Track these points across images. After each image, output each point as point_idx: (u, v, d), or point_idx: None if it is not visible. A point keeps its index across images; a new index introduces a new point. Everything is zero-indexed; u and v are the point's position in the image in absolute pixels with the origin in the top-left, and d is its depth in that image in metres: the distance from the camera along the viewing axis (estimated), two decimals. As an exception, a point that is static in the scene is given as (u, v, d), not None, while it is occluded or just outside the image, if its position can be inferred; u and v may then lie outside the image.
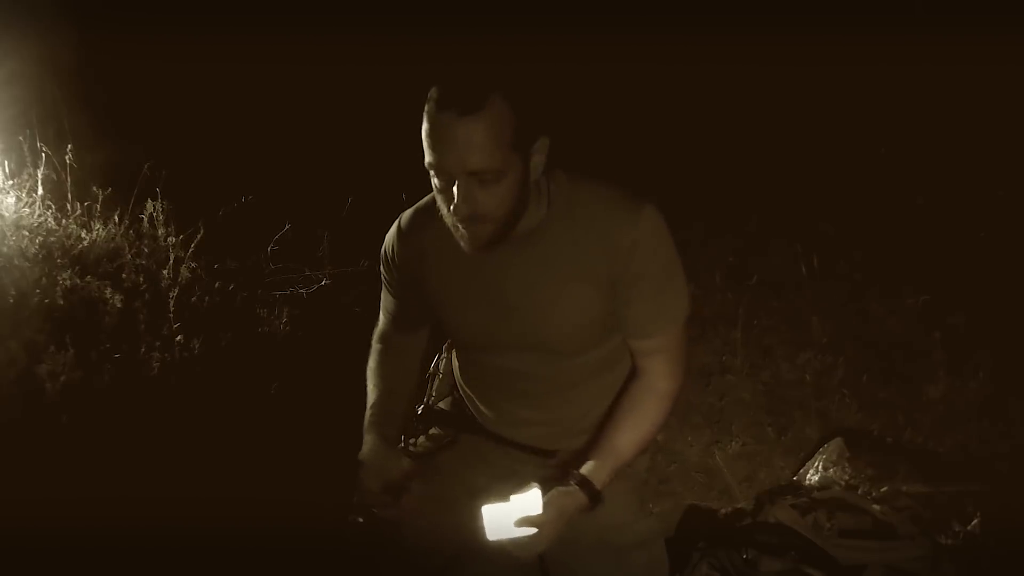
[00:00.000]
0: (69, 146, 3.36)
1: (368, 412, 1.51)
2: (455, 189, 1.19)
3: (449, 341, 1.64)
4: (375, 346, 1.60)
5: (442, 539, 1.46)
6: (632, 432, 1.36)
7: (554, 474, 1.38)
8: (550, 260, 1.32)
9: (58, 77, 3.81)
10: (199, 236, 3.14)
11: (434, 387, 1.65)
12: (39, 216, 3.25)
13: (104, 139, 3.62)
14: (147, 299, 2.91)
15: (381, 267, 1.51)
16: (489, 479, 1.46)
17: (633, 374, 1.42)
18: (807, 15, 4.48)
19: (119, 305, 2.80)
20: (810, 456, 2.31)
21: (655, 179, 2.47)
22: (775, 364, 2.87)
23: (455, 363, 1.59)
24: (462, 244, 1.27)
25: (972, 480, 2.09)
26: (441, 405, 1.62)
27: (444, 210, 1.25)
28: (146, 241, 3.23)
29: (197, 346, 2.77)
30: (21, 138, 3.50)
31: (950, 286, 3.03)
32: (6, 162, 3.45)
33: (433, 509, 1.48)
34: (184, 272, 3.06)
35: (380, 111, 3.84)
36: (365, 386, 1.57)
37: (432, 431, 1.58)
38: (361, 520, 1.41)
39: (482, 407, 1.52)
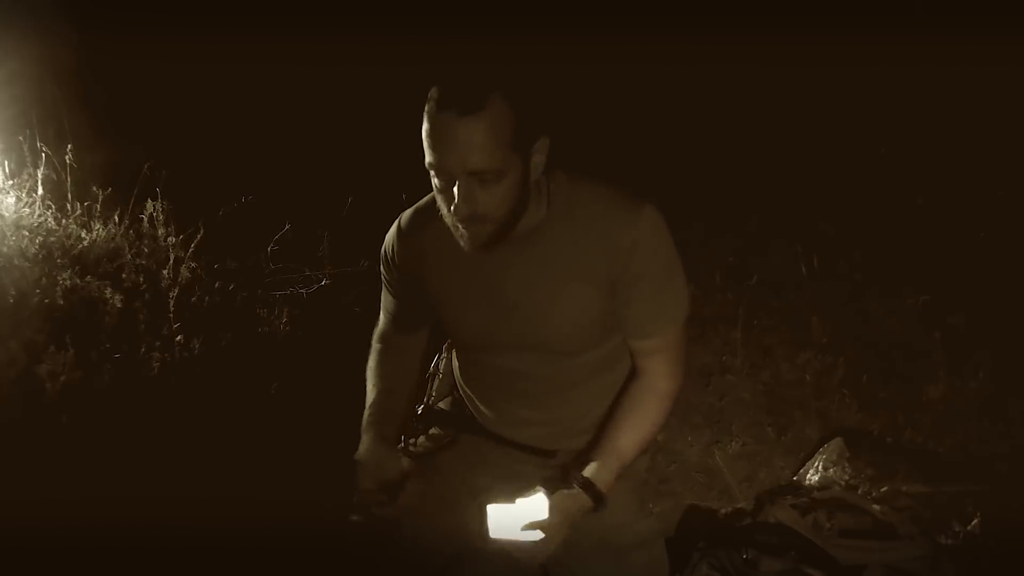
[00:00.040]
0: (69, 146, 3.36)
1: (367, 412, 1.51)
2: (455, 189, 1.19)
3: (449, 341, 1.64)
4: (375, 346, 1.60)
5: (442, 539, 1.46)
6: (633, 432, 1.36)
7: (556, 476, 1.37)
8: (550, 260, 1.32)
9: (58, 77, 3.81)
10: (199, 236, 3.14)
11: (434, 387, 1.64)
12: (39, 216, 3.25)
13: (104, 139, 3.61)
14: (147, 299, 2.91)
15: (381, 267, 1.51)
16: (489, 479, 1.46)
17: (633, 374, 1.42)
18: (807, 15, 4.48)
19: (119, 305, 2.80)
20: (810, 456, 2.31)
21: (655, 179, 2.47)
22: (775, 364, 2.87)
23: (455, 363, 1.59)
24: (462, 244, 1.27)
25: (972, 480, 2.09)
26: (441, 405, 1.62)
27: (444, 210, 1.25)
28: (146, 241, 3.23)
29: (197, 346, 2.77)
30: (21, 138, 3.50)
31: (950, 286, 3.03)
32: (6, 162, 3.45)
33: (433, 509, 1.48)
34: (184, 272, 3.06)
35: (380, 111, 3.84)
36: (365, 386, 1.57)
37: (432, 431, 1.58)
38: (359, 519, 1.41)
39: (482, 407, 1.52)
